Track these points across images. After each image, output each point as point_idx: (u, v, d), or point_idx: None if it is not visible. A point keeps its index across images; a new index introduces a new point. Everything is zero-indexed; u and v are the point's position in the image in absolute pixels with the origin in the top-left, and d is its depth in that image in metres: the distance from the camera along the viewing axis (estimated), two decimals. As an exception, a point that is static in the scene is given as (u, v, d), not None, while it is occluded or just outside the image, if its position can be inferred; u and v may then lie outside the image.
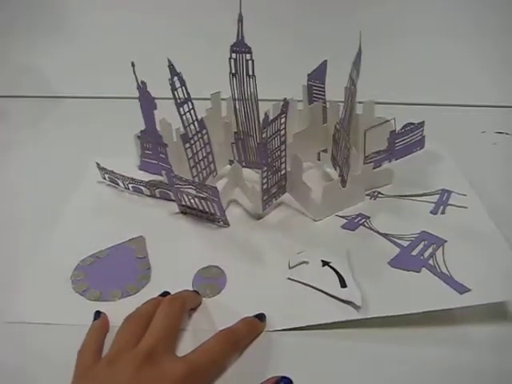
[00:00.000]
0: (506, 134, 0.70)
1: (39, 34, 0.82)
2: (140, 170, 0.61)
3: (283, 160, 0.52)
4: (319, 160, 0.61)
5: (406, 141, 0.58)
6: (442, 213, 0.51)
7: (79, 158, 0.62)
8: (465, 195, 0.54)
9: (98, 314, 0.41)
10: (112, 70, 0.73)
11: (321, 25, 0.79)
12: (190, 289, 0.44)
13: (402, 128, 0.57)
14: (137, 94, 0.50)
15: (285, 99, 0.49)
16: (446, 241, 0.47)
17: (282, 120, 0.48)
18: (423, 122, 0.58)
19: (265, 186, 0.51)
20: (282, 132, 0.49)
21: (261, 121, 0.49)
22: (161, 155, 0.52)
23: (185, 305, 0.41)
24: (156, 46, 0.69)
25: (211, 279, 0.45)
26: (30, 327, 0.41)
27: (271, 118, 0.47)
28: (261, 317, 0.41)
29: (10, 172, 0.62)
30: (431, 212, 0.52)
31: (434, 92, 0.76)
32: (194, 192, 0.50)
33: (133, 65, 0.47)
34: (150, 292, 0.44)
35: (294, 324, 0.40)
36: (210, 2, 0.78)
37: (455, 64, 0.77)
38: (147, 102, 0.50)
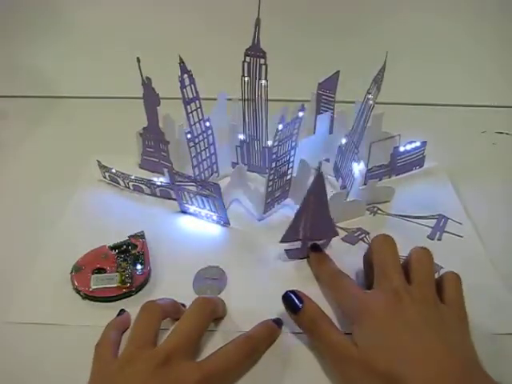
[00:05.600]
0: (506, 133, 0.70)
1: (39, 34, 0.82)
2: (141, 168, 0.60)
3: (291, 165, 0.51)
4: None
5: (407, 158, 0.58)
6: (439, 239, 0.51)
7: (79, 157, 0.62)
8: (461, 224, 0.53)
9: (122, 311, 0.41)
10: (113, 70, 0.73)
11: (334, 33, 0.78)
12: (190, 289, 0.44)
13: (405, 145, 0.57)
14: (137, 94, 0.49)
15: (302, 105, 0.47)
16: (442, 267, 0.47)
17: (296, 125, 0.48)
18: (425, 142, 0.58)
19: (269, 189, 0.50)
20: (294, 137, 0.49)
21: (269, 126, 0.47)
22: (162, 153, 0.52)
23: (216, 311, 0.40)
24: (158, 45, 0.69)
25: (212, 279, 0.45)
26: (30, 327, 0.41)
27: (285, 121, 0.46)
28: (278, 322, 0.40)
29: (10, 172, 0.62)
30: (428, 237, 0.51)
31: (434, 92, 0.76)
32: (195, 189, 0.49)
33: (138, 60, 0.46)
34: (149, 292, 0.44)
35: (295, 326, 0.40)
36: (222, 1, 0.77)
37: (455, 64, 0.77)
38: (151, 99, 0.49)
